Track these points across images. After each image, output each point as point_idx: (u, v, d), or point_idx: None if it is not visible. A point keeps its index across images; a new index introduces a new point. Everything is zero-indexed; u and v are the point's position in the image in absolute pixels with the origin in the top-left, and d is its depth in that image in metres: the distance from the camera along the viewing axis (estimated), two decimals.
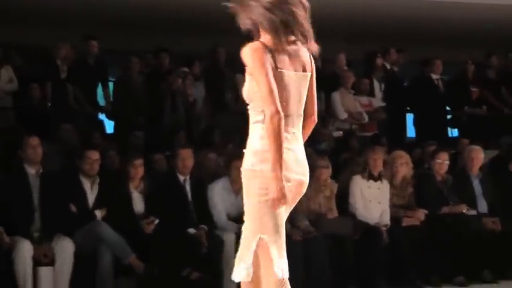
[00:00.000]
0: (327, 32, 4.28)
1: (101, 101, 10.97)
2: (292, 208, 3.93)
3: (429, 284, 8.27)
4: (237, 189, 7.72)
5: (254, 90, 3.74)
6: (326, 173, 8.37)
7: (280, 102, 3.68)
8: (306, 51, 3.86)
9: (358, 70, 11.60)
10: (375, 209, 8.39)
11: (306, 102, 3.88)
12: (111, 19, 11.48)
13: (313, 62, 3.91)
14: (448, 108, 12.21)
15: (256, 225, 3.78)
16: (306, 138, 3.96)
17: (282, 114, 3.64)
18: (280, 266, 3.80)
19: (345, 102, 10.97)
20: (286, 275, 3.85)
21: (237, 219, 7.91)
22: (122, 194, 7.80)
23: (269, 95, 3.65)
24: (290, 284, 3.92)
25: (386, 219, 8.47)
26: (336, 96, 10.95)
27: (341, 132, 10.82)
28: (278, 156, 3.65)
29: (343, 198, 8.55)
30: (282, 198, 3.67)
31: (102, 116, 11.00)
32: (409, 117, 12.08)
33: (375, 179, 8.51)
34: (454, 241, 8.48)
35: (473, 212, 8.93)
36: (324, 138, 10.40)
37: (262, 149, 3.73)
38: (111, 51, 11.21)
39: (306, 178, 3.87)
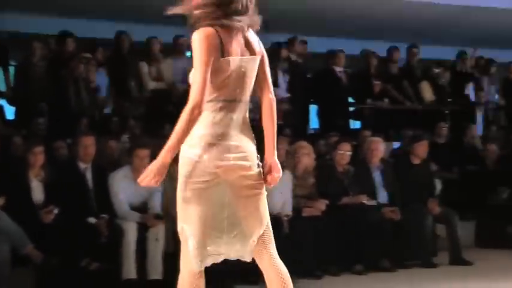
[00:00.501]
0: None
1: (1, 86, 10.70)
2: (253, 196, 3.88)
3: (328, 273, 8.37)
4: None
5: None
6: None
7: (225, 87, 3.70)
8: (254, 34, 3.85)
9: None
10: (276, 199, 8.44)
11: (260, 84, 3.87)
12: (14, 1, 11.22)
13: (261, 43, 3.88)
14: (351, 100, 12.39)
15: (180, 214, 3.78)
16: (273, 126, 3.91)
17: (202, 111, 3.63)
18: (196, 257, 3.78)
19: None
20: (202, 267, 3.86)
21: (139, 208, 7.85)
22: (21, 182, 7.63)
23: (200, 86, 3.62)
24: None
25: (288, 209, 8.53)
26: None
27: None
28: (176, 145, 3.63)
29: None
30: (149, 176, 3.65)
31: (2, 102, 10.73)
32: (313, 109, 12.21)
33: None
34: (353, 231, 8.62)
35: (373, 203, 9.09)
36: None
37: (200, 134, 3.70)
38: (13, 35, 10.95)
39: (246, 162, 3.79)
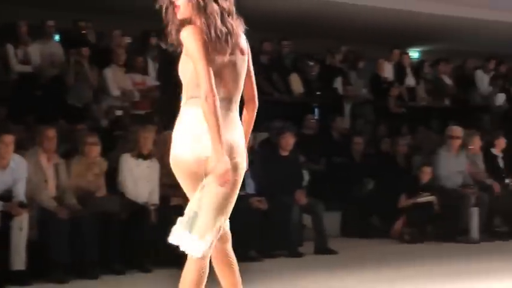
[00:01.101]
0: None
1: None
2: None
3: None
4: (3, 164, 7.45)
5: (190, 71, 3.84)
6: (95, 150, 8.25)
7: (215, 86, 3.77)
8: (242, 34, 3.97)
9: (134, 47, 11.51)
10: (143, 187, 8.34)
11: (245, 86, 3.99)
12: None
13: (247, 44, 3.99)
14: None
15: (222, 207, 3.92)
16: (252, 122, 4.11)
17: (216, 95, 3.73)
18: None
19: (117, 79, 10.82)
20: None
21: (2, 196, 7.58)
22: None
23: (206, 76, 3.73)
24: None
25: (155, 199, 8.46)
26: (108, 72, 10.78)
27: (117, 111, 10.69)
28: (218, 136, 3.73)
29: (113, 176, 8.44)
30: (228, 177, 3.78)
31: None
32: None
33: (144, 158, 8.47)
34: None
35: (241, 193, 9.09)
36: (98, 115, 10.23)
37: (201, 133, 3.83)
38: None
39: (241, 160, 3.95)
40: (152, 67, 11.35)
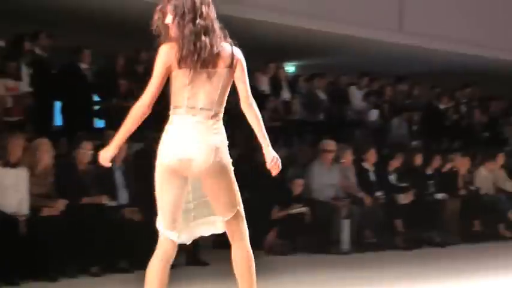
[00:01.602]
0: None
1: None
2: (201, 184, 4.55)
3: (65, 275, 8.16)
4: None
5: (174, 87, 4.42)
6: None
7: (181, 96, 4.37)
8: (228, 49, 4.43)
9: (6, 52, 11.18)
10: (12, 197, 8.09)
11: (239, 91, 4.56)
12: None
13: (236, 56, 4.45)
14: (96, 98, 12.18)
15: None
16: (258, 120, 4.78)
17: (148, 110, 4.41)
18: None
19: None
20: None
21: None
22: None
23: (150, 90, 4.40)
24: None
25: (25, 209, 8.21)
26: None
27: None
28: (121, 136, 4.56)
29: None
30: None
31: None
32: (58, 105, 11.87)
33: (12, 166, 8.21)
34: (92, 231, 8.46)
35: (113, 203, 8.98)
36: None
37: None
38: None
39: (194, 157, 4.39)
40: (26, 73, 11.05)
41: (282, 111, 13.91)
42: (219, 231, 5.00)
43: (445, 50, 16.40)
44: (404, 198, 12.17)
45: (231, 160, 4.65)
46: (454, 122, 16.11)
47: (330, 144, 11.71)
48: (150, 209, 8.95)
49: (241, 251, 4.93)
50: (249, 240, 4.89)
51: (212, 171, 4.49)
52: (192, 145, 4.40)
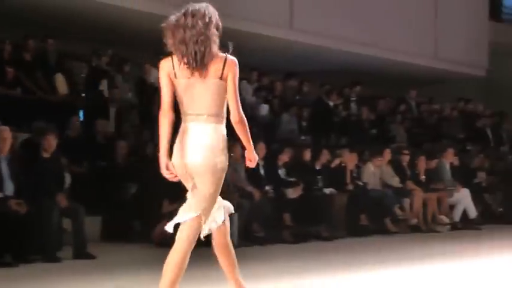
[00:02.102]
0: None
1: None
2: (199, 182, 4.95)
3: None
4: None
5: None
6: None
7: (181, 103, 4.88)
8: (221, 61, 4.87)
9: None
10: None
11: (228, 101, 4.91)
12: None
13: (227, 68, 4.87)
14: None
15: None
16: (241, 133, 5.12)
17: (169, 115, 4.85)
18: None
19: None
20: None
21: None
22: None
23: (163, 99, 4.86)
24: None
25: None
26: None
27: None
28: (163, 144, 4.91)
29: None
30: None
31: None
32: None
33: None
34: None
35: None
36: None
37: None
38: None
39: (193, 160, 4.87)
40: None
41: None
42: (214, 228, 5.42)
43: (334, 48, 16.71)
44: (292, 193, 12.31)
45: (223, 162, 5.01)
46: (343, 119, 16.40)
47: None
48: (36, 201, 8.85)
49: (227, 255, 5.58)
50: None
51: (200, 170, 4.91)
52: (189, 148, 4.90)
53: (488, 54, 22.00)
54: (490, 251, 10.65)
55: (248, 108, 14.92)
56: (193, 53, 4.80)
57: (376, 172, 14.24)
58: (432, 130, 18.44)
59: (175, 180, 5.03)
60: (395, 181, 14.37)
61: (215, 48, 4.89)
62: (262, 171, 12.33)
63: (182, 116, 4.93)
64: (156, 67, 13.76)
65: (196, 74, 4.85)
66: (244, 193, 11.63)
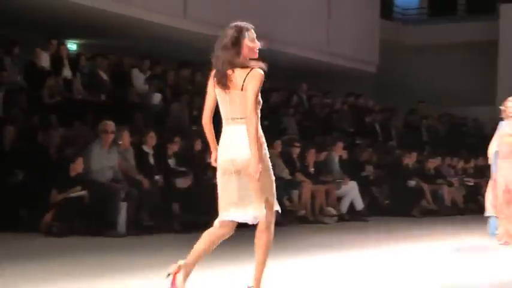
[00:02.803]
0: None
1: None
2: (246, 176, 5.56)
3: None
4: None
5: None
6: None
7: (220, 109, 5.67)
8: (243, 74, 5.55)
9: None
10: None
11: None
12: None
13: (248, 80, 5.52)
14: None
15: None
16: (249, 130, 5.50)
17: (209, 121, 5.76)
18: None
19: None
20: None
21: None
22: None
23: (205, 106, 5.75)
24: None
25: None
26: None
27: None
28: (211, 142, 5.87)
29: None
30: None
31: None
32: None
33: None
34: None
35: None
36: None
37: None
38: None
39: (235, 157, 5.57)
40: None
41: (63, 89, 13.59)
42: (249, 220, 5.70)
43: None
44: (182, 183, 12.27)
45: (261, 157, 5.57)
46: None
47: (110, 126, 11.58)
48: None
49: (264, 238, 5.70)
50: (272, 229, 5.73)
51: (247, 164, 5.50)
52: (232, 148, 5.59)
53: (379, 51, 22.50)
54: (377, 243, 10.90)
55: (139, 97, 14.82)
56: (220, 70, 5.60)
57: None
58: (323, 123, 18.72)
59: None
60: (284, 173, 14.52)
61: (237, 63, 5.59)
62: (151, 160, 12.25)
63: (223, 121, 5.69)
64: (47, 50, 13.69)
65: (223, 86, 5.60)
66: (133, 182, 11.53)
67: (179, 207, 11.98)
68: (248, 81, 5.55)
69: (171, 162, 12.59)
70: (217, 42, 5.69)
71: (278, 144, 14.64)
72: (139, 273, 7.48)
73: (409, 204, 16.61)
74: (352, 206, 15.33)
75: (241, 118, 5.58)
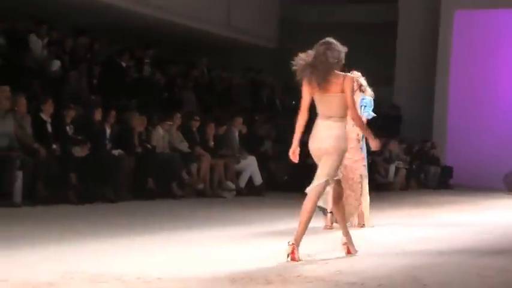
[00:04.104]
0: None
1: None
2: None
3: None
4: None
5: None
6: None
7: (317, 108, 7.04)
8: (341, 78, 6.94)
9: None
10: None
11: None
12: None
13: (346, 83, 6.93)
14: None
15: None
16: (356, 123, 7.38)
17: (304, 117, 7.02)
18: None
19: None
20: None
21: None
22: None
23: (301, 105, 7.02)
24: None
25: None
26: None
27: None
28: (297, 134, 7.12)
29: None
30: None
31: None
32: None
33: None
34: None
35: None
36: None
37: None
38: None
39: (322, 146, 6.95)
40: None
41: None
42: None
43: (124, 7, 16.49)
44: (79, 151, 12.00)
45: (344, 147, 7.03)
46: (134, 81, 16.17)
47: (5, 91, 11.20)
48: None
49: (341, 207, 7.45)
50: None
51: (326, 151, 6.94)
52: (320, 138, 6.96)
53: (279, 29, 22.57)
54: (271, 217, 10.92)
55: (37, 63, 14.36)
56: (317, 74, 6.89)
57: (165, 136, 14.19)
58: (222, 97, 18.65)
59: (295, 161, 7.24)
60: (183, 146, 14.41)
61: (335, 69, 6.91)
62: (49, 129, 11.91)
63: (318, 116, 7.02)
64: None
65: (323, 90, 6.92)
66: (29, 150, 11.19)
67: (76, 177, 11.70)
68: (346, 85, 6.91)
69: (69, 130, 12.26)
70: (316, 55, 6.90)
71: (177, 117, 14.50)
72: (34, 247, 7.24)
73: (307, 181, 16.71)
74: (250, 181, 15.34)
75: (334, 117, 6.94)
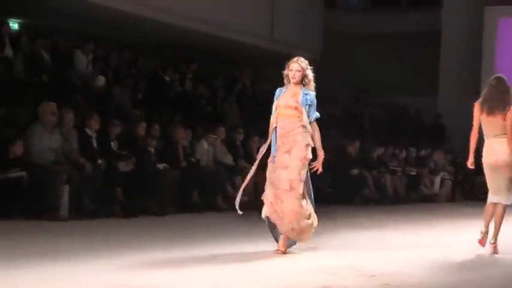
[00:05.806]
0: None
1: None
2: None
3: None
4: None
5: None
6: None
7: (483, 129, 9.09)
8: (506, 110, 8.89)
9: None
10: None
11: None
12: None
13: (508, 114, 8.87)
14: None
15: None
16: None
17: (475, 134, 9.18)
18: None
19: None
20: None
21: None
22: None
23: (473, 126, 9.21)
24: None
25: None
26: None
27: None
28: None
29: None
30: None
31: None
32: None
33: None
34: None
35: None
36: None
37: None
38: None
39: (496, 158, 8.84)
40: None
41: (4, 69, 13.27)
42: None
43: (169, 23, 16.61)
44: (124, 166, 12.10)
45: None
46: (178, 95, 16.28)
47: (52, 107, 11.35)
48: None
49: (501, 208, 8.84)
50: None
51: (503, 165, 8.71)
52: (496, 153, 8.74)
53: (322, 38, 22.56)
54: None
55: (82, 79, 14.53)
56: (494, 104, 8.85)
57: (210, 149, 14.25)
58: (266, 110, 18.62)
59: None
60: (228, 159, 14.44)
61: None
62: (94, 144, 12.04)
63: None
64: None
65: (491, 114, 8.85)
66: (75, 165, 11.32)
67: (121, 191, 11.81)
68: (508, 116, 8.73)
69: (114, 145, 12.39)
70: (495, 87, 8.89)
71: (221, 130, 14.56)
72: (78, 260, 7.31)
73: (351, 193, 16.73)
74: None
75: (500, 135, 8.73)
